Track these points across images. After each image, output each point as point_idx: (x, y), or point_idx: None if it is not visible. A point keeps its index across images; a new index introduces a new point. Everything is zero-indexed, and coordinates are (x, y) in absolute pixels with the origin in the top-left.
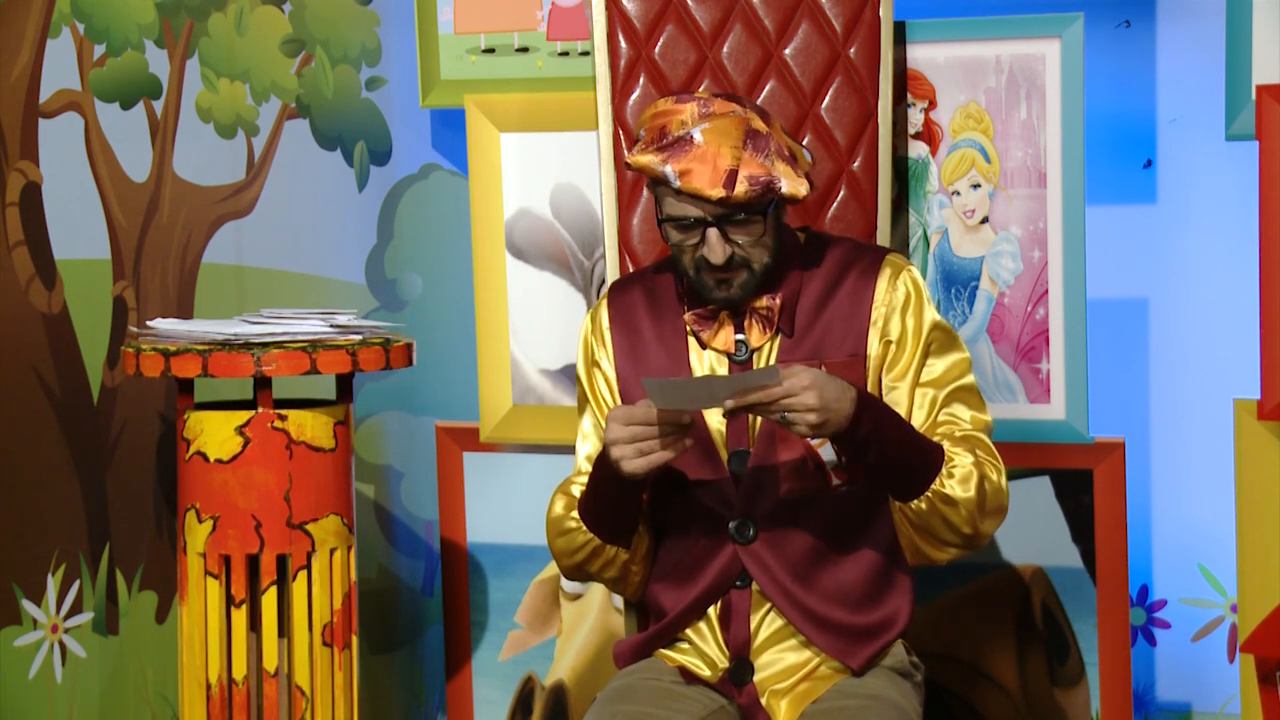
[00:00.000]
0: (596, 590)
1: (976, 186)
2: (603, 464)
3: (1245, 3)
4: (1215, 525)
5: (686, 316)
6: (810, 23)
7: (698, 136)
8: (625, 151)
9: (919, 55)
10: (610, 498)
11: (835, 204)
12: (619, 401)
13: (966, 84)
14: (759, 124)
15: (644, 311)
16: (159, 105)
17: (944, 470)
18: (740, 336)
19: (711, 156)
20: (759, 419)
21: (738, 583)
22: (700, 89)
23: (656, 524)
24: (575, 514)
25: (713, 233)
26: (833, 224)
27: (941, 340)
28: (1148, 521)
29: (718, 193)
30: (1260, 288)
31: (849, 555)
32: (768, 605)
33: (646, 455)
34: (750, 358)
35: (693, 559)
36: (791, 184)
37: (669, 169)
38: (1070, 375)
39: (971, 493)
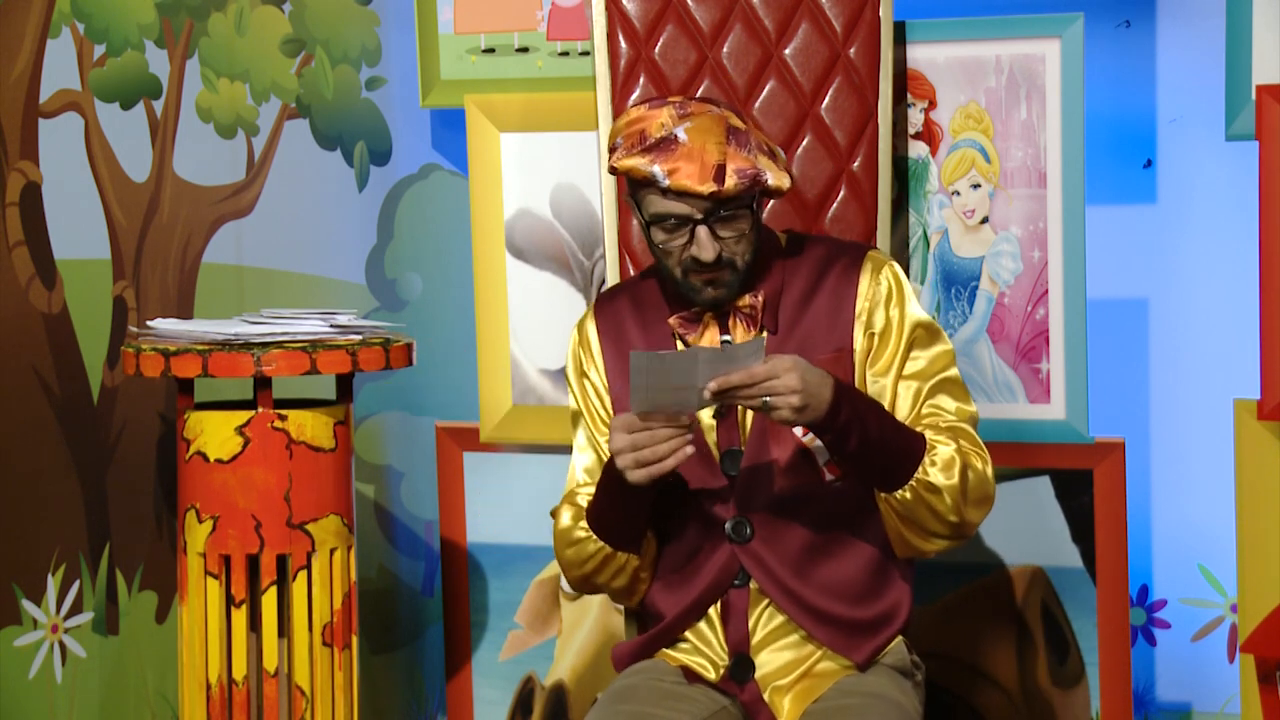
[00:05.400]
0: None
1: (976, 186)
2: (610, 471)
3: (1245, 3)
4: (1215, 525)
5: (671, 320)
6: (810, 23)
7: (682, 135)
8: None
9: (919, 55)
10: (619, 505)
11: (835, 204)
12: (611, 411)
13: (966, 84)
14: (736, 121)
15: (631, 320)
16: (159, 105)
17: (926, 459)
18: (726, 337)
19: (698, 153)
20: (750, 417)
21: (735, 581)
22: (672, 95)
23: (657, 528)
24: (584, 523)
25: (702, 230)
26: (833, 224)
27: (924, 335)
28: (1148, 521)
29: (708, 188)
30: (1260, 288)
31: (846, 550)
32: (765, 602)
33: (645, 466)
34: None
35: (690, 561)
36: (776, 176)
37: (657, 169)
38: (1070, 375)
39: (955, 480)
